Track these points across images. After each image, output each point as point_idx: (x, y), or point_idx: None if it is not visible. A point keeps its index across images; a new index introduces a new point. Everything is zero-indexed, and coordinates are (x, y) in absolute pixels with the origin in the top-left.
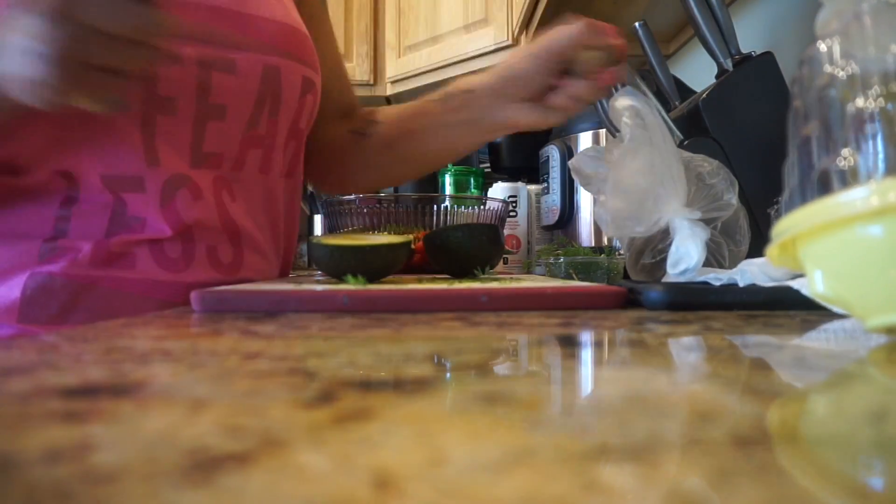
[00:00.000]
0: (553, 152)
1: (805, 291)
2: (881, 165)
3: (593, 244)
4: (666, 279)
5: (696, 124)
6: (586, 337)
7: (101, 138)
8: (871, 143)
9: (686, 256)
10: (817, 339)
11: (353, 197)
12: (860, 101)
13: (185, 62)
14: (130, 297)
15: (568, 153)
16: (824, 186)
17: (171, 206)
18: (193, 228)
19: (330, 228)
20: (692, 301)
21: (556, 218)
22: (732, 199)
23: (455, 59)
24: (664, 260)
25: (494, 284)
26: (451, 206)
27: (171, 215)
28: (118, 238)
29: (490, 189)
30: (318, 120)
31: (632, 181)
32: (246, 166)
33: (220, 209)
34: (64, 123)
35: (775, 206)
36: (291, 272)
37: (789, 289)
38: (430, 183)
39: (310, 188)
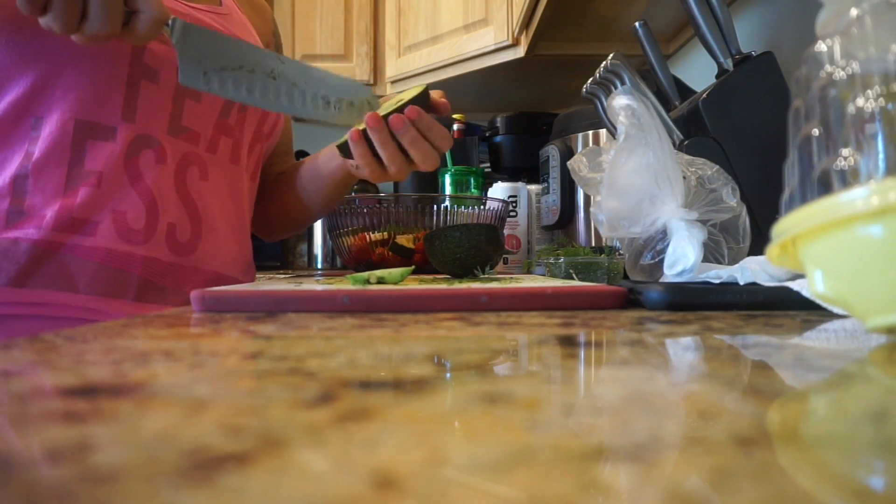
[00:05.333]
0: (553, 152)
1: (805, 292)
2: (881, 165)
3: (593, 244)
4: (664, 280)
5: (696, 124)
6: (586, 337)
7: (88, 83)
8: (871, 143)
9: (683, 258)
10: (817, 339)
11: (353, 196)
12: (860, 101)
13: (169, 44)
14: (87, 265)
15: (568, 153)
16: (824, 186)
17: (133, 160)
18: (155, 196)
19: (330, 228)
20: (692, 301)
21: (556, 218)
22: (733, 202)
23: (455, 59)
24: (664, 260)
25: (494, 284)
26: (451, 206)
27: (131, 168)
28: (80, 197)
29: (490, 189)
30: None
31: (627, 181)
32: (219, 151)
33: (178, 181)
34: (55, 62)
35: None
36: (291, 272)
37: (789, 289)
38: (431, 183)
39: None
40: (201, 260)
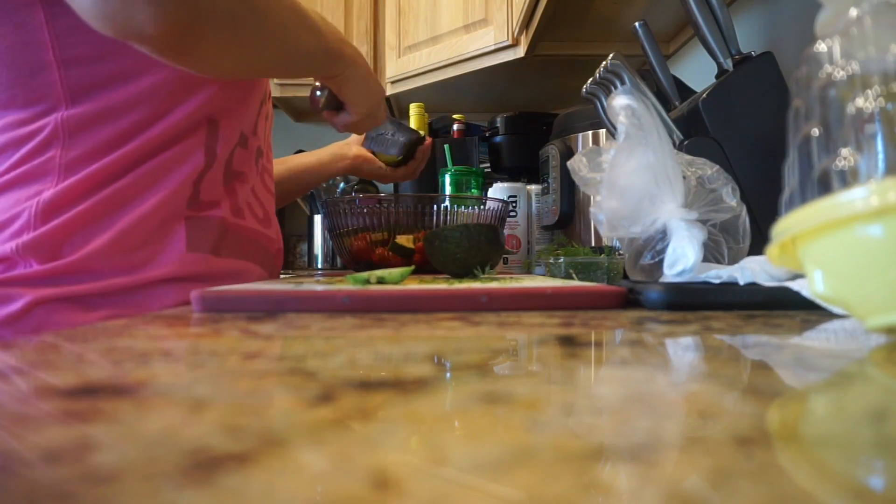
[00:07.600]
0: (553, 152)
1: (805, 292)
2: (881, 165)
3: (593, 244)
4: (664, 280)
5: (696, 124)
6: (586, 337)
7: (253, 105)
8: (870, 143)
9: (683, 258)
10: (817, 339)
11: (353, 196)
12: (860, 101)
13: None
14: (248, 241)
15: (568, 153)
16: (824, 186)
17: (258, 164)
18: (262, 191)
19: (330, 228)
20: (692, 301)
21: (556, 218)
22: (733, 202)
23: (455, 59)
24: (664, 260)
25: (494, 284)
26: (451, 206)
27: (257, 170)
28: (237, 192)
29: (490, 189)
30: None
31: (627, 181)
32: (263, 157)
33: (266, 181)
34: (247, 87)
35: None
36: (291, 272)
37: (789, 289)
38: (430, 183)
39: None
40: (276, 242)
